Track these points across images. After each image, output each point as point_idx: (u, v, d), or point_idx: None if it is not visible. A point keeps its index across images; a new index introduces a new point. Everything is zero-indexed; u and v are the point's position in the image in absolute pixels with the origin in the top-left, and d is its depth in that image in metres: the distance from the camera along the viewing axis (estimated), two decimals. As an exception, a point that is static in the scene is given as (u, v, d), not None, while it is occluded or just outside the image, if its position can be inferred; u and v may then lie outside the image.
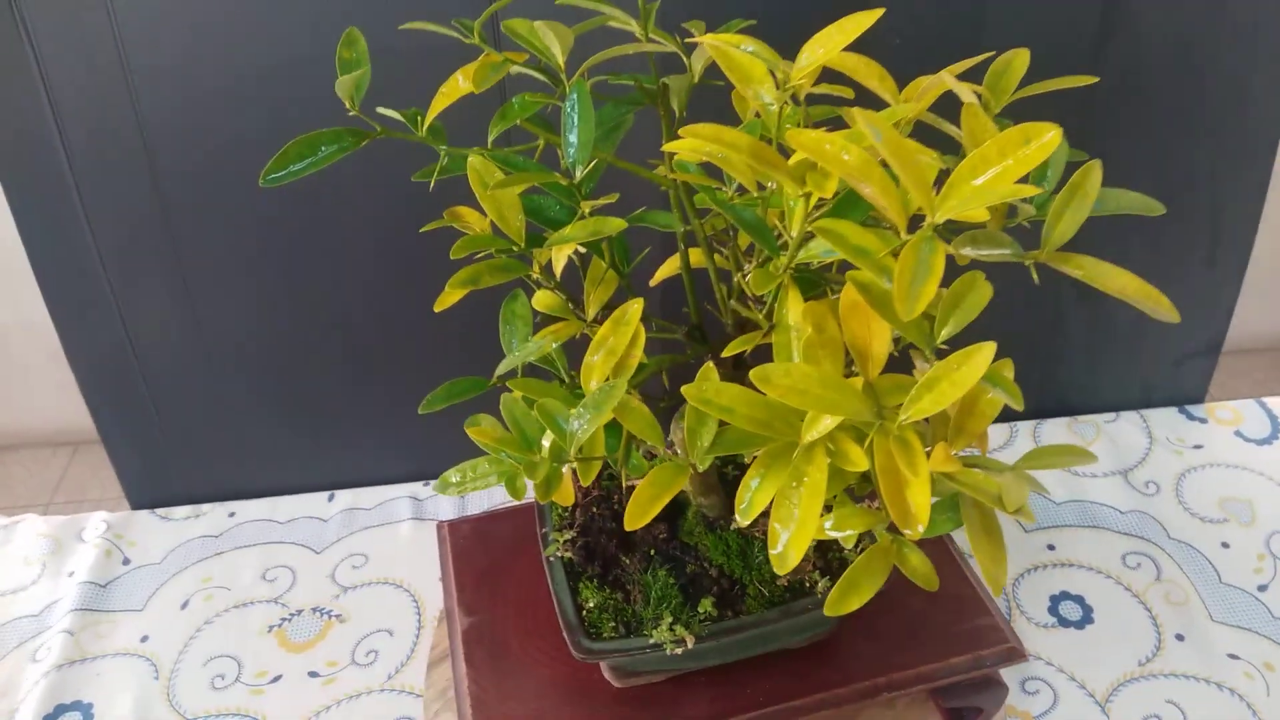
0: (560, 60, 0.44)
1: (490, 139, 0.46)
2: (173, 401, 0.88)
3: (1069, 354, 0.94)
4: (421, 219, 0.81)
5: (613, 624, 0.57)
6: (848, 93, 0.44)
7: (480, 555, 0.72)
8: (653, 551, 0.60)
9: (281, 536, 0.88)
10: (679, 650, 0.54)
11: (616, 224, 0.42)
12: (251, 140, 0.76)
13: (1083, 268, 0.38)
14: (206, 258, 0.81)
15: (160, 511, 0.91)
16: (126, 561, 0.86)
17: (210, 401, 0.89)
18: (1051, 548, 0.83)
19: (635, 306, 0.44)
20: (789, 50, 0.43)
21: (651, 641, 0.55)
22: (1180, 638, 0.75)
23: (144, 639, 0.79)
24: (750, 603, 0.57)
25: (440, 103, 0.46)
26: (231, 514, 0.91)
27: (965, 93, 0.40)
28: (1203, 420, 0.95)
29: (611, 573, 0.59)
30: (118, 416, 0.89)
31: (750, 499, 0.38)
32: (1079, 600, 0.79)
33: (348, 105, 0.45)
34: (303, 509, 0.91)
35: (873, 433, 0.37)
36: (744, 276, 0.45)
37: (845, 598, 0.40)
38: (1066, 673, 0.73)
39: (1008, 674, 0.73)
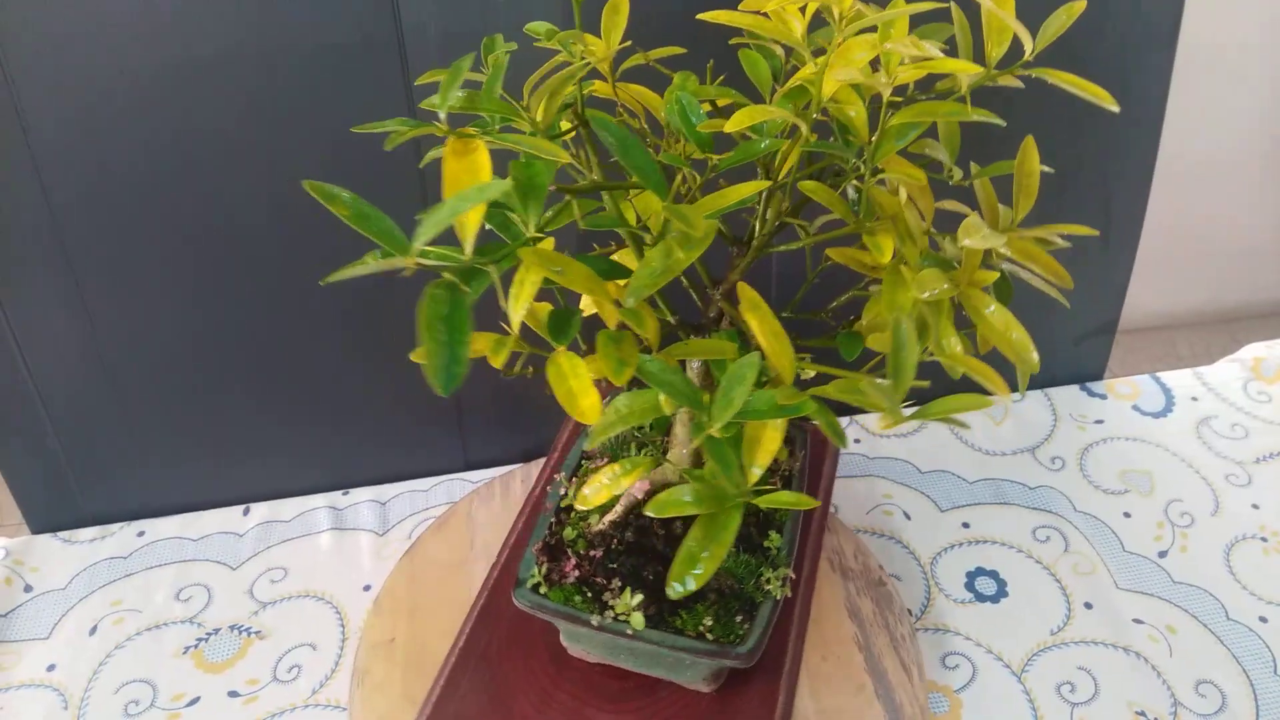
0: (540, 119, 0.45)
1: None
2: (72, 418, 0.85)
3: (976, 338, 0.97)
4: (325, 223, 0.79)
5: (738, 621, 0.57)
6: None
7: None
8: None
9: (195, 554, 0.86)
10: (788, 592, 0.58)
11: (710, 225, 0.41)
12: (145, 145, 0.74)
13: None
14: (100, 266, 0.78)
15: (64, 534, 0.87)
16: (28, 589, 0.82)
17: (113, 417, 0.85)
18: (966, 526, 0.86)
19: (751, 292, 0.44)
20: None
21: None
22: (1089, 606, 0.79)
23: (50, 668, 0.76)
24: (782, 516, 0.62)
25: (474, 220, 0.38)
26: (141, 533, 0.87)
27: None
28: (1103, 396, 0.99)
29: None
30: (13, 437, 0.85)
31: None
32: (993, 575, 0.81)
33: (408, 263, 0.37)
34: (216, 524, 0.88)
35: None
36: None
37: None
38: (984, 646, 0.76)
39: (928, 650, 0.75)
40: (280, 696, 0.73)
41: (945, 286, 0.44)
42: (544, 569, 0.58)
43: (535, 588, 0.58)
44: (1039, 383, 1.00)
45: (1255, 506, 0.87)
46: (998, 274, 0.47)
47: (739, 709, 0.62)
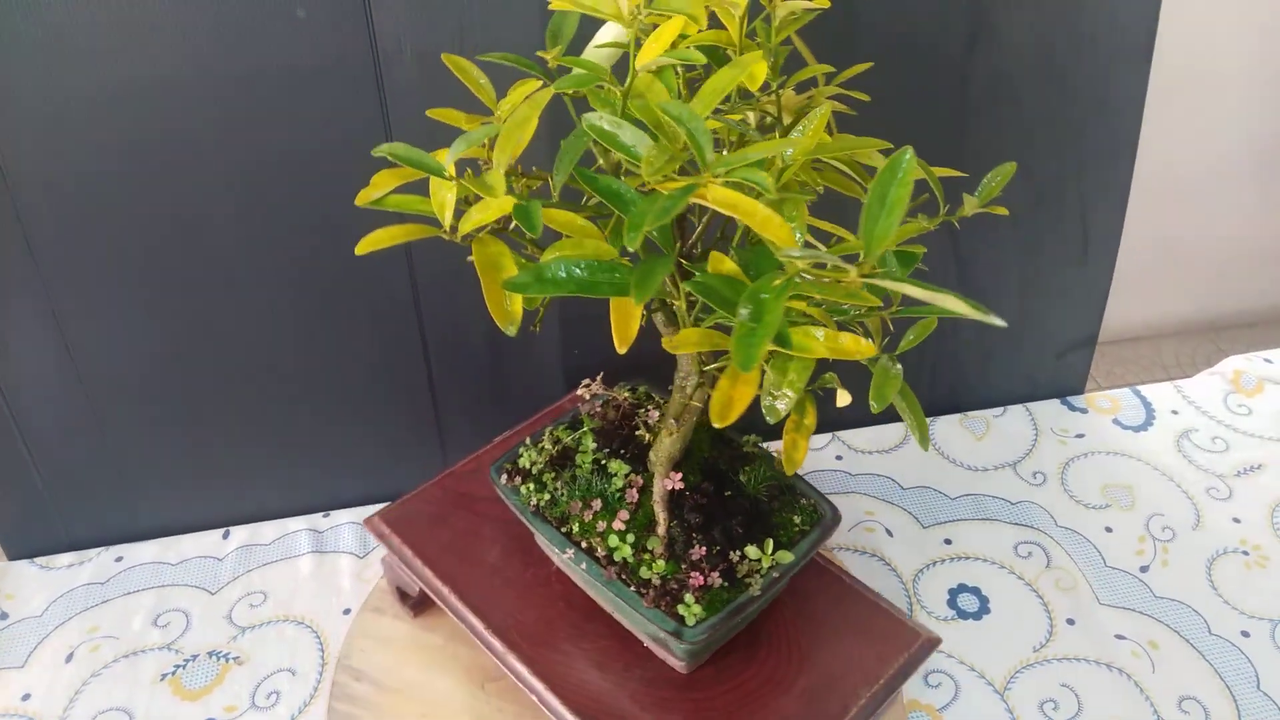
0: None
1: None
2: (50, 442, 0.84)
3: (958, 354, 0.97)
4: (304, 244, 0.79)
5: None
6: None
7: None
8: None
9: (173, 579, 0.85)
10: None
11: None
12: (119, 167, 0.73)
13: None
14: (77, 292, 0.78)
15: (40, 560, 0.87)
16: (4, 616, 0.81)
17: (91, 441, 0.85)
18: (948, 542, 0.86)
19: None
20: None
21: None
22: (1071, 622, 0.78)
23: (25, 697, 0.75)
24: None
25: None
26: (119, 558, 0.87)
27: None
28: (1083, 410, 1.00)
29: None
30: (-12, 463, 0.84)
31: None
32: (975, 592, 0.81)
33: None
34: (196, 548, 0.88)
35: None
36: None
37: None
38: (967, 664, 0.75)
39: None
40: (258, 723, 0.73)
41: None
42: (691, 603, 0.57)
43: (699, 622, 0.57)
44: (1020, 397, 1.01)
45: (1236, 520, 0.87)
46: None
47: (810, 580, 0.68)
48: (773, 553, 0.59)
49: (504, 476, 0.66)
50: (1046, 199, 0.89)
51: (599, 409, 0.68)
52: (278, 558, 0.87)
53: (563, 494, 0.63)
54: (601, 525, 0.60)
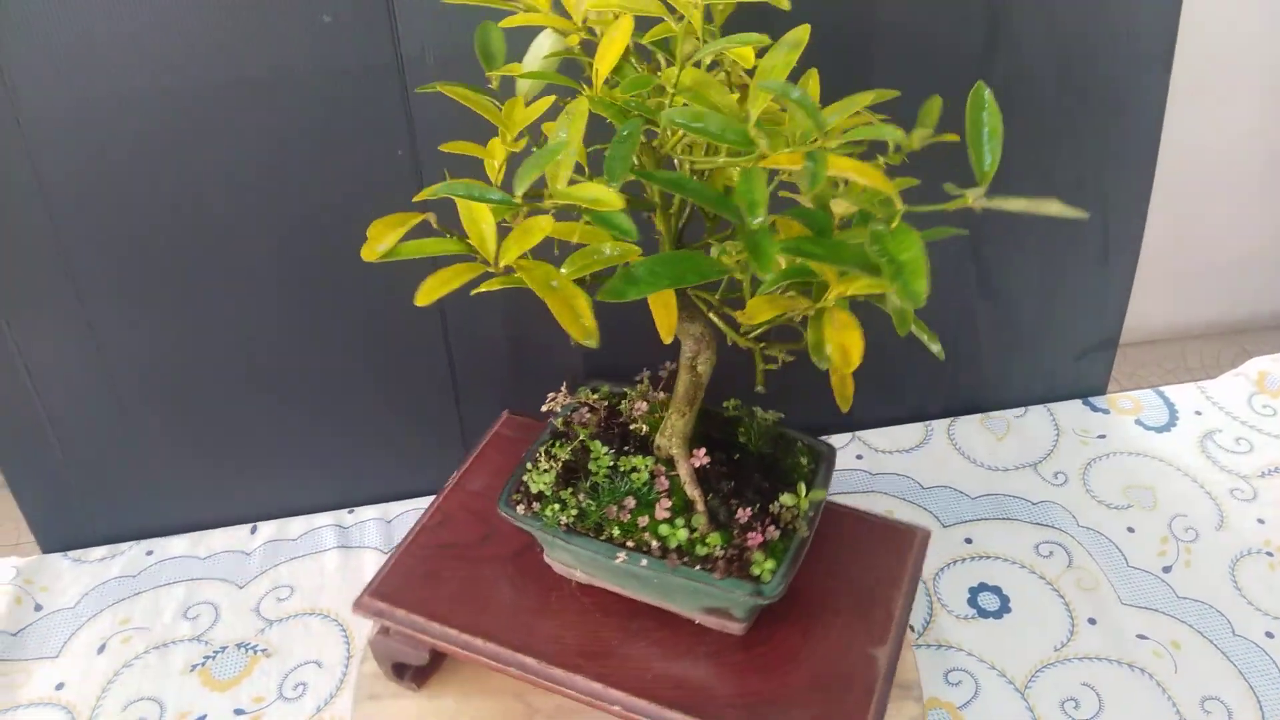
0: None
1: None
2: (81, 439, 0.86)
3: (977, 354, 0.97)
4: (329, 245, 0.81)
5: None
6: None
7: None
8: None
9: (203, 572, 0.86)
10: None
11: None
12: (148, 169, 0.75)
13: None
14: (107, 290, 0.79)
15: (74, 553, 0.88)
16: (39, 608, 0.83)
17: (121, 437, 0.86)
18: (969, 541, 0.86)
19: None
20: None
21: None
22: (1092, 622, 0.78)
23: (59, 687, 0.76)
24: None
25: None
26: (149, 552, 0.88)
27: None
28: (1105, 411, 0.99)
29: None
30: (22, 456, 0.86)
31: None
32: (996, 591, 0.81)
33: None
34: (224, 543, 0.89)
35: None
36: None
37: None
38: (987, 662, 0.76)
39: (931, 666, 0.75)
40: (286, 714, 0.74)
41: None
42: (761, 559, 0.58)
43: (772, 572, 0.58)
44: (1041, 397, 1.00)
45: (1261, 521, 0.87)
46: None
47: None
48: (808, 494, 0.62)
49: (519, 507, 0.64)
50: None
51: (585, 416, 0.68)
52: (304, 552, 0.88)
53: (590, 504, 0.62)
54: (643, 520, 0.61)
